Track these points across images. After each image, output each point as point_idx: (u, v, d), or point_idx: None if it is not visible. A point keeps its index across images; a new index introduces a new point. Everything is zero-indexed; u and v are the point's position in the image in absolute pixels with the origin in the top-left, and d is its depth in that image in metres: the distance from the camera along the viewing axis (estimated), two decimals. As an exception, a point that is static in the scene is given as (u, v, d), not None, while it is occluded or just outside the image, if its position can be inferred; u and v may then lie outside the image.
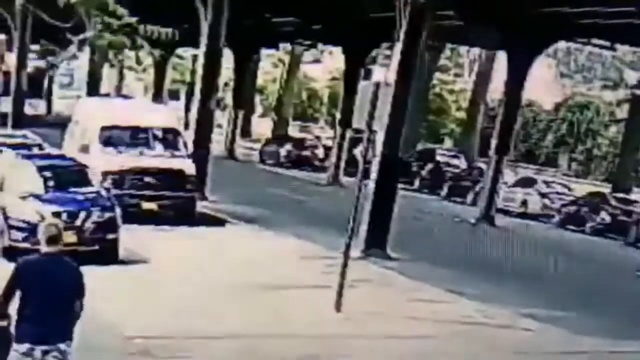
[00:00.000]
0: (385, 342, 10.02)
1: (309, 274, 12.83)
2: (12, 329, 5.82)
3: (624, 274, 17.17)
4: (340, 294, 10.82)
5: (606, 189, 29.90)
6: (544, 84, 41.77)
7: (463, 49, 46.58)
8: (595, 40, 25.80)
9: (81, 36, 22.28)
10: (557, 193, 27.63)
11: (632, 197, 27.10)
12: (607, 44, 26.27)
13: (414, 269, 14.06)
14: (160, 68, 36.19)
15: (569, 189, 28.58)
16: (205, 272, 12.20)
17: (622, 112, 38.82)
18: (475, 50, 41.78)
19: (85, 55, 29.38)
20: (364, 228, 14.74)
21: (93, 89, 36.67)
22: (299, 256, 14.19)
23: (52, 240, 5.85)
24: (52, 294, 5.76)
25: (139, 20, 19.88)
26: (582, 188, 29.53)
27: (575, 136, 42.03)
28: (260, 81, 46.51)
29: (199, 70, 20.30)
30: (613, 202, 25.24)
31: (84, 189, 12.67)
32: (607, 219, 24.60)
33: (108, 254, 12.05)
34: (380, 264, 14.32)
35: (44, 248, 5.87)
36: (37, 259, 5.90)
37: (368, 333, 10.21)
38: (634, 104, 33.42)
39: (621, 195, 26.88)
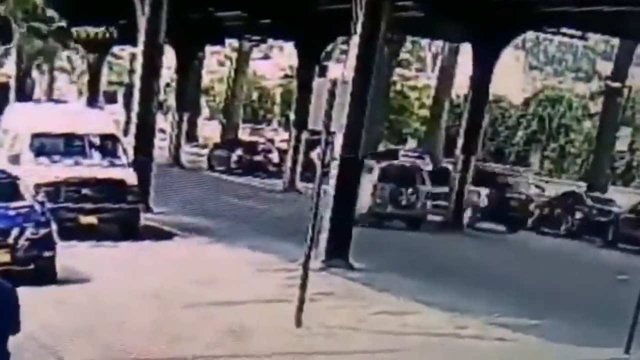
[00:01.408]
0: (350, 358, 10.15)
1: (267, 287, 12.90)
2: None
3: (602, 278, 17.57)
4: (300, 308, 10.91)
5: (581, 188, 30.50)
6: (512, 78, 42.45)
7: (425, 42, 47.07)
8: (565, 30, 26.33)
9: (10, 45, 22.16)
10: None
11: (608, 196, 27.71)
12: (578, 33, 26.84)
13: (379, 279, 14.21)
14: (94, 69, 35.94)
15: (542, 190, 29.06)
16: (152, 289, 12.19)
17: (597, 106, 39.54)
18: (438, 43, 42.22)
19: (12, 59, 29.11)
20: (324, 237, 14.86)
21: (21, 94, 36.25)
22: (255, 269, 14.25)
23: None
24: None
25: (70, 22, 19.83)
26: (555, 188, 30.04)
27: (546, 132, 42.72)
28: (205, 81, 46.42)
29: (138, 70, 20.25)
30: (588, 202, 25.77)
31: (15, 204, 12.59)
32: (583, 219, 25.10)
33: (45, 274, 12.00)
34: (342, 274, 14.44)
35: None
36: None
37: (331, 349, 10.30)
38: (608, 96, 34.12)
39: (597, 194, 27.46)
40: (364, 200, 20.25)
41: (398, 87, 44.37)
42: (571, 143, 42.43)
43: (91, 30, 20.65)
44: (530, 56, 52.44)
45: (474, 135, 23.85)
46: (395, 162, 26.28)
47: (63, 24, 19.46)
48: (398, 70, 41.57)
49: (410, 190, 22.24)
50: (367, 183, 20.75)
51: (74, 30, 20.18)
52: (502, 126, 43.29)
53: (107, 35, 21.89)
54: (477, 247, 21.19)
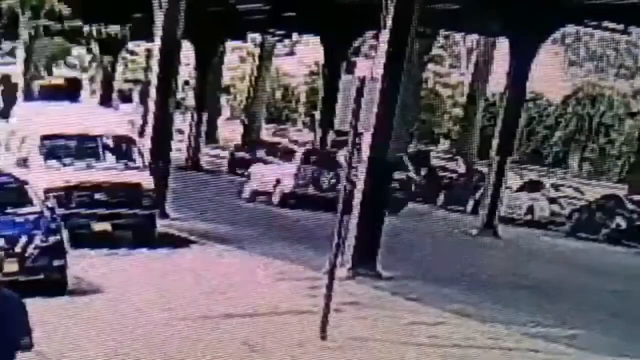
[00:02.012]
0: (378, 373, 10.10)
1: (290, 298, 12.88)
2: None
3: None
4: (325, 320, 10.85)
5: (621, 191, 30.21)
6: (550, 74, 42.13)
7: (459, 36, 46.90)
8: (607, 24, 26.07)
9: (17, 42, 22.30)
10: (567, 197, 27.88)
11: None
12: (621, 27, 26.56)
13: (409, 289, 14.16)
14: (108, 66, 36.09)
15: (581, 193, 28.87)
16: (169, 301, 12.17)
17: (639, 104, 39.23)
18: (473, 37, 42.06)
19: (20, 56, 29.35)
20: (350, 244, 14.79)
21: (29, 93, 36.53)
22: (277, 278, 14.21)
23: None
24: None
25: (83, 19, 19.89)
26: (594, 191, 29.84)
27: (586, 133, 42.40)
28: (226, 79, 46.53)
29: (155, 68, 20.25)
30: (629, 206, 25.52)
31: (24, 210, 12.59)
32: (623, 224, 24.87)
33: (55, 284, 12.00)
34: (370, 283, 14.39)
35: None
36: None
37: (358, 363, 10.27)
38: (652, 94, 33.79)
39: (638, 197, 27.17)
40: (286, 182, 24.15)
41: (430, 84, 44.22)
42: (612, 144, 42.07)
43: (105, 28, 20.74)
44: (570, 52, 52.02)
45: (510, 136, 23.70)
46: (319, 148, 28.68)
47: (76, 22, 19.51)
48: (430, 66, 41.40)
49: (331, 174, 24.29)
50: (290, 166, 24.68)
51: (86, 28, 20.24)
52: (540, 126, 43.01)
53: (122, 34, 21.98)
54: (510, 251, 20.98)
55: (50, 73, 25.18)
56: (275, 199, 25.29)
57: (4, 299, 5.81)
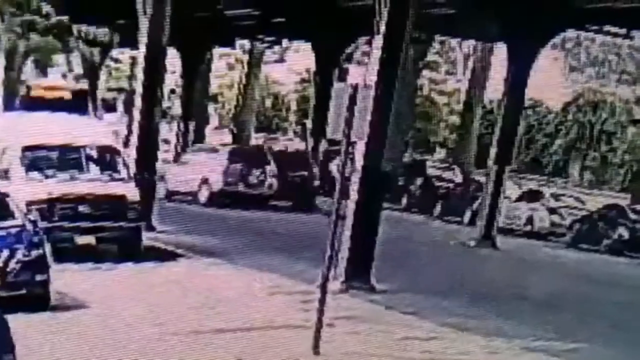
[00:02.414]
0: (372, 389, 10.15)
1: (281, 312, 12.91)
2: None
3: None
4: (318, 334, 10.90)
5: (624, 200, 30.33)
6: (550, 81, 42.31)
7: (455, 42, 47.07)
8: (609, 28, 26.21)
9: (3, 39, 22.28)
10: (568, 207, 27.99)
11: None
12: (623, 31, 26.70)
13: (404, 302, 14.22)
14: (91, 74, 36.09)
15: (582, 202, 28.98)
16: (158, 316, 12.20)
17: (642, 111, 39.42)
18: (470, 43, 42.23)
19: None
20: (343, 256, 14.84)
21: (10, 102, 36.50)
22: (268, 292, 14.25)
23: None
24: None
25: (70, 18, 19.96)
26: (596, 200, 29.95)
27: (587, 140, 42.55)
28: (213, 87, 46.61)
29: (139, 76, 20.31)
30: (632, 216, 25.62)
31: (4, 223, 12.62)
32: (626, 235, 24.98)
33: (37, 299, 12.02)
34: (363, 297, 14.45)
35: None
36: None
37: (352, 380, 10.34)
38: (655, 100, 33.99)
39: (641, 207, 27.30)
40: (214, 179, 24.86)
41: (425, 91, 44.36)
42: (614, 152, 42.22)
43: (93, 32, 20.81)
44: (570, 57, 52.23)
45: (509, 144, 23.79)
46: (243, 145, 30.26)
47: (63, 19, 19.56)
48: (425, 73, 41.54)
49: (259, 170, 25.49)
50: (216, 164, 25.46)
51: (74, 28, 20.32)
52: (539, 134, 43.17)
53: (109, 35, 22.01)
54: (509, 263, 21.06)
55: (45, 74, 24.97)
56: (203, 197, 25.57)
57: None
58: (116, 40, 24.72)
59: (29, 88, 22.90)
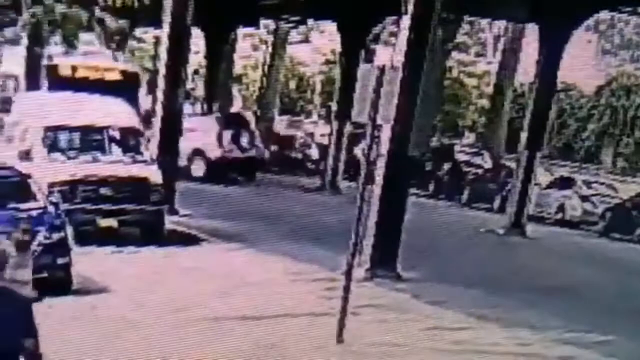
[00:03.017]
0: (397, 379, 10.21)
1: (304, 299, 12.99)
2: None
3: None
4: (342, 323, 10.97)
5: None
6: (583, 64, 42.00)
7: (485, 23, 46.81)
8: (644, 9, 25.99)
9: (25, 15, 22.35)
10: (601, 195, 27.85)
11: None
12: (659, 12, 26.46)
13: (430, 291, 14.24)
14: (115, 49, 36.20)
15: (614, 190, 28.81)
16: (179, 302, 12.30)
17: (679, 95, 39.06)
18: (500, 24, 41.98)
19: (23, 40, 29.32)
20: (368, 243, 14.88)
21: (33, 81, 36.73)
22: (290, 278, 14.33)
23: None
24: None
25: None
26: (629, 188, 29.77)
27: (620, 126, 42.25)
28: (238, 67, 46.67)
29: (163, 56, 20.40)
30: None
31: (26, 205, 12.75)
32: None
33: (59, 283, 12.15)
34: (389, 285, 14.49)
35: None
36: None
37: (377, 369, 10.39)
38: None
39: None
40: (211, 147, 25.17)
41: (454, 73, 44.19)
42: (648, 138, 41.91)
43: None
44: (604, 39, 51.80)
45: (540, 129, 23.70)
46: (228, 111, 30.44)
47: None
48: (454, 54, 41.36)
49: (246, 133, 26.55)
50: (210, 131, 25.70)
51: None
52: (572, 118, 42.91)
53: (136, 5, 22.03)
54: (539, 252, 21.02)
55: (72, 46, 24.54)
56: (199, 171, 25.68)
57: (8, 299, 5.93)
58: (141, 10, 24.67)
59: (74, 69, 22.46)
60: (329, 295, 11.97)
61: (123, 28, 28.81)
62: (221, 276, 14.08)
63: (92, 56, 24.01)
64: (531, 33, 28.94)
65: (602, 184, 29.72)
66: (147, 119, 20.21)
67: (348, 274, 11.17)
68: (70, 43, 24.15)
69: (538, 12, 23.09)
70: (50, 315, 10.08)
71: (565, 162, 38.20)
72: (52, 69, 22.24)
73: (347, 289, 11.09)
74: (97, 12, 22.78)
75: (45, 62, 22.92)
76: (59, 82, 20.47)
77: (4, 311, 5.88)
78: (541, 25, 23.57)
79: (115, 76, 22.72)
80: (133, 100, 19.56)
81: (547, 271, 18.22)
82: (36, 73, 25.32)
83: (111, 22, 26.38)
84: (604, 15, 38.45)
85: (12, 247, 7.90)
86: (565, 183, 28.74)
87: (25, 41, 24.56)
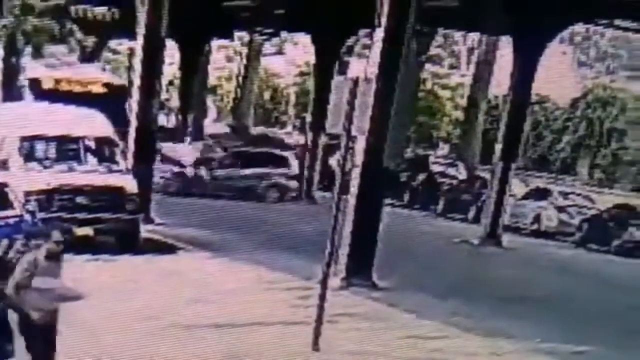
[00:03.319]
0: (373, 386, 10.35)
1: (279, 308, 13.06)
2: None
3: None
4: (318, 331, 11.06)
5: (635, 200, 30.41)
6: (558, 76, 42.38)
7: (459, 35, 47.12)
8: (619, 22, 26.24)
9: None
10: (577, 206, 28.09)
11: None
12: (634, 25, 26.75)
13: (406, 300, 14.34)
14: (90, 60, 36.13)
15: (591, 201, 29.05)
16: (153, 309, 12.38)
17: (654, 107, 39.43)
18: (474, 36, 42.29)
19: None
20: (344, 252, 15.03)
21: (9, 91, 36.59)
22: (265, 287, 14.41)
23: None
24: None
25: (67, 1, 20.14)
26: (606, 199, 30.00)
27: (596, 138, 42.60)
28: (212, 79, 46.69)
29: (137, 67, 20.53)
30: (644, 216, 25.72)
31: (3, 213, 12.85)
32: (637, 235, 25.08)
33: (35, 290, 12.21)
34: (365, 294, 14.60)
35: None
36: None
37: (352, 376, 10.52)
38: (666, 96, 34.01)
39: (654, 207, 27.37)
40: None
41: (428, 85, 44.44)
42: (624, 149, 42.27)
43: (92, 12, 20.93)
44: (579, 51, 52.27)
45: (514, 141, 23.87)
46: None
47: (61, 0, 19.76)
48: (428, 66, 41.63)
49: None
50: None
51: (72, 9, 20.42)
52: (547, 130, 43.24)
53: (111, 19, 22.09)
54: (515, 262, 21.21)
55: (40, 55, 24.35)
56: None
57: None
58: (115, 23, 24.67)
59: (57, 82, 22.13)
60: (304, 304, 12.08)
61: (94, 42, 28.87)
62: (195, 284, 14.15)
63: (79, 68, 23.84)
64: (505, 45, 29.23)
65: (579, 195, 29.83)
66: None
67: (324, 283, 11.29)
68: (38, 54, 24.19)
69: (512, 24, 23.30)
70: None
71: (541, 173, 38.44)
72: (35, 83, 22.11)
73: (322, 297, 11.19)
74: (69, 24, 22.80)
75: (26, 74, 22.74)
76: (43, 96, 20.33)
77: None
78: (515, 38, 23.78)
79: (100, 89, 22.60)
80: (120, 114, 19.57)
81: (523, 281, 18.34)
82: (12, 84, 25.44)
83: (81, 36, 26.47)
84: (579, 27, 38.75)
85: (42, 256, 8.14)
86: (541, 194, 28.92)
87: (0, 52, 24.67)
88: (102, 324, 11.51)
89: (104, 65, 26.50)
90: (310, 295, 11.95)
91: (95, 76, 23.24)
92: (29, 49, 24.28)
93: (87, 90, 21.61)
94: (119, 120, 18.79)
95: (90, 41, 28.44)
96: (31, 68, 23.04)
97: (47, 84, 21.80)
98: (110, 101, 20.14)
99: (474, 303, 14.82)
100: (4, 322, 6.00)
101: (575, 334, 13.34)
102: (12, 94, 23.06)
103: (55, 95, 19.94)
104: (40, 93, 20.91)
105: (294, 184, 27.97)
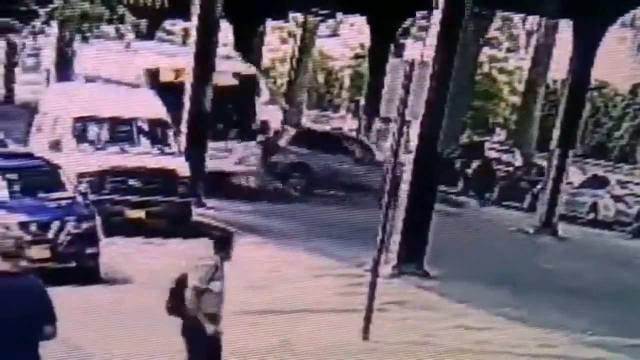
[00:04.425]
0: (422, 376, 10.33)
1: (329, 295, 13.08)
2: None
3: None
4: (368, 320, 11.07)
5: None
6: (618, 61, 41.69)
7: (518, 18, 46.59)
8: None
9: (49, 7, 22.65)
10: (635, 195, 27.71)
11: None
12: (697, 10, 26.22)
13: (457, 290, 14.28)
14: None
15: (650, 191, 28.63)
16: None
17: None
18: (534, 19, 41.77)
19: (53, 31, 29.67)
20: (396, 240, 14.98)
21: (64, 72, 37.06)
22: (318, 274, 14.42)
23: (8, 255, 5.95)
24: (8, 323, 5.83)
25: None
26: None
27: (658, 125, 41.91)
28: (266, 61, 46.77)
29: (192, 48, 20.58)
30: None
31: (56, 195, 13.00)
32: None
33: (87, 272, 12.38)
34: (416, 283, 14.57)
35: None
36: None
37: (402, 365, 10.51)
38: None
39: None
40: None
41: (486, 69, 44.03)
42: (687, 138, 41.53)
43: None
44: (641, 36, 51.32)
45: (573, 127, 23.60)
46: None
47: None
48: (486, 50, 41.22)
49: None
50: None
51: None
52: (606, 117, 42.63)
53: (161, 4, 22.14)
54: (570, 252, 21.00)
55: (86, 41, 24.10)
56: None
57: (26, 287, 6.01)
58: (166, 9, 24.72)
59: (178, 73, 19.85)
60: (355, 292, 12.07)
61: (147, 24, 28.94)
62: (246, 270, 14.21)
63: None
64: (565, 29, 28.81)
65: (638, 184, 29.51)
66: None
67: (375, 271, 11.28)
68: (85, 38, 24.42)
69: (572, 8, 22.98)
70: (76, 302, 10.31)
71: (598, 161, 37.95)
72: (154, 75, 20.41)
73: (373, 286, 11.19)
74: (121, 10, 22.90)
75: (141, 65, 20.55)
76: (162, 89, 18.61)
77: (22, 298, 5.98)
78: (575, 22, 23.46)
79: (230, 81, 20.80)
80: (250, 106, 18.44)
81: (577, 272, 18.17)
82: (66, 64, 25.73)
83: (133, 19, 26.62)
84: (641, 11, 38.08)
85: (219, 262, 8.32)
86: (598, 183, 28.60)
87: (55, 32, 24.95)
88: (151, 309, 11.60)
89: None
90: (361, 283, 11.92)
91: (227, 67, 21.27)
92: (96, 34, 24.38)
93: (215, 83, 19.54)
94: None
95: (144, 24, 28.53)
96: (144, 55, 21.32)
97: (166, 77, 20.27)
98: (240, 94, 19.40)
99: (526, 294, 14.73)
100: (45, 302, 5.97)
101: (628, 327, 13.18)
102: (66, 75, 23.33)
103: (176, 89, 18.81)
104: (159, 86, 19.18)
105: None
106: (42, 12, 23.85)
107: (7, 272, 5.99)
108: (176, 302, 8.38)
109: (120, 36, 29.20)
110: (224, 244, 8.67)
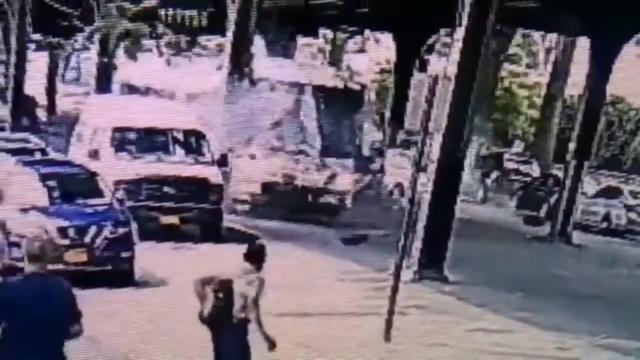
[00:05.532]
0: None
1: (352, 298, 12.98)
2: None
3: None
4: (389, 322, 10.96)
5: None
6: (633, 77, 41.28)
7: (537, 35, 46.33)
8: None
9: (93, 25, 22.78)
10: (646, 205, 27.46)
11: None
12: None
13: (476, 294, 14.18)
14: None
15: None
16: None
17: None
18: (552, 37, 41.51)
19: (94, 46, 29.90)
20: (417, 246, 14.86)
21: (104, 84, 37.29)
22: (338, 278, 14.32)
23: (35, 258, 5.86)
24: (37, 322, 5.79)
25: (159, 3, 20.34)
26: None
27: (669, 139, 41.47)
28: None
29: (226, 62, 20.60)
30: None
31: (94, 201, 13.00)
32: None
33: (122, 275, 12.39)
34: (436, 287, 14.46)
35: (27, 267, 5.91)
36: (18, 281, 5.95)
37: (422, 367, 10.38)
38: None
39: None
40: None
41: (505, 84, 43.78)
42: (698, 151, 41.04)
43: (181, 15, 21.03)
44: (655, 53, 50.79)
45: (588, 140, 23.41)
46: None
47: (152, 4, 19.99)
48: (506, 65, 41.00)
49: None
50: None
51: (162, 13, 20.56)
52: (620, 131, 42.24)
53: (199, 22, 22.22)
54: (584, 259, 20.77)
55: (127, 55, 24.17)
56: None
57: (52, 287, 5.96)
58: (204, 26, 24.84)
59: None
60: (376, 295, 11.97)
61: (186, 40, 29.04)
62: (272, 273, 14.12)
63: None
64: (582, 46, 28.60)
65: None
66: None
67: (397, 275, 11.18)
68: (131, 55, 24.50)
69: (589, 25, 22.83)
70: (112, 304, 10.25)
71: (612, 172, 37.61)
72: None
73: (395, 289, 11.10)
74: (160, 28, 23.00)
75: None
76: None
77: (51, 298, 5.93)
78: (592, 39, 23.28)
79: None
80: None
81: (591, 278, 18.00)
82: (106, 77, 25.93)
83: (172, 36, 26.74)
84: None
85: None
86: (612, 193, 28.36)
87: (96, 47, 25.10)
88: (178, 310, 11.54)
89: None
90: (382, 287, 11.79)
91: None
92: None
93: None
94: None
95: (183, 40, 28.61)
96: (181, 70, 20.99)
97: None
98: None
99: (542, 298, 14.58)
100: (71, 302, 5.88)
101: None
102: (105, 86, 23.45)
103: None
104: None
105: None
106: (85, 28, 24.00)
107: (36, 274, 5.93)
108: (221, 307, 8.31)
109: (160, 53, 29.37)
110: (257, 255, 8.59)
